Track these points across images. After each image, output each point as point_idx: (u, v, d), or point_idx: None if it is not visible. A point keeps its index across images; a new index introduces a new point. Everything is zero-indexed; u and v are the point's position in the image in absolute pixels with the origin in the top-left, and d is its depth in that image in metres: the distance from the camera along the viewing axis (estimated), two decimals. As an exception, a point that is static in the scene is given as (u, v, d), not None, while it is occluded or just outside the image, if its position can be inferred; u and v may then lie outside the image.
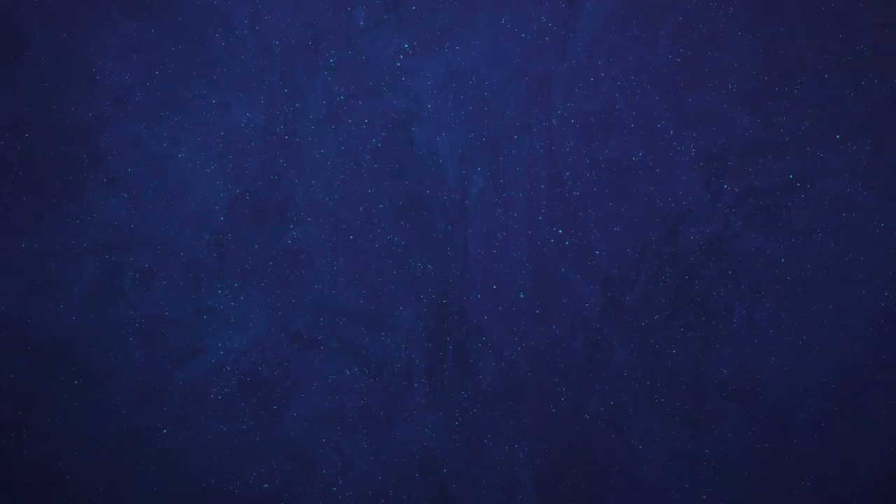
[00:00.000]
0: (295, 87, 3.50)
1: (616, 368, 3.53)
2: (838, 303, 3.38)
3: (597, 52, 3.43)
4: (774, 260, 3.40)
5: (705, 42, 3.36)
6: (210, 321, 3.55)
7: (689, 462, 3.49)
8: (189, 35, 3.43)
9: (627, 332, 3.52)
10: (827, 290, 3.38)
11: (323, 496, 3.58)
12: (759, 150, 3.37)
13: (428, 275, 3.58)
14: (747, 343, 3.45)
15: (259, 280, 3.56)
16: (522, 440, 3.57)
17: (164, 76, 3.44)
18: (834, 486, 3.41)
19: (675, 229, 3.46)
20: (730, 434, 3.47)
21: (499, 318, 3.57)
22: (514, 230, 3.54)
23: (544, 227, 3.53)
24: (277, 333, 3.59)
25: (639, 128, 3.44)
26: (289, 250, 3.56)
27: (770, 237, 3.40)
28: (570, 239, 3.52)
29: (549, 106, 3.48)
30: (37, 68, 3.38)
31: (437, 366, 3.60)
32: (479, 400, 3.58)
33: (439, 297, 3.58)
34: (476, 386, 3.58)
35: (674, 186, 3.44)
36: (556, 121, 3.49)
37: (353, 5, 3.46)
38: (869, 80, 3.26)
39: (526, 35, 3.44)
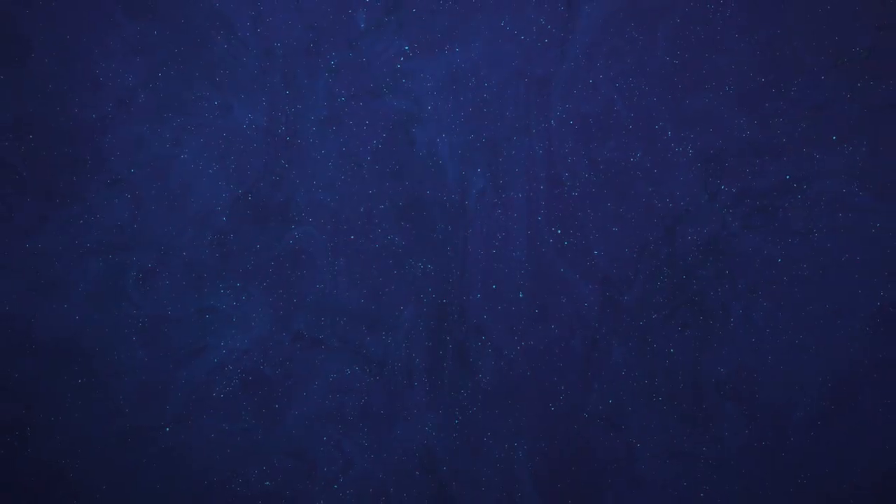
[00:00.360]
0: (296, 89, 3.52)
1: (614, 367, 3.55)
2: (835, 302, 3.40)
3: (595, 54, 3.45)
4: (771, 260, 3.42)
5: (703, 44, 3.38)
6: (212, 321, 3.58)
7: (687, 460, 3.51)
8: (192, 37, 3.45)
9: (626, 332, 3.55)
10: (823, 289, 3.40)
11: (324, 494, 3.61)
12: (756, 151, 3.39)
13: (428, 275, 3.60)
14: (744, 342, 3.47)
15: (261, 280, 3.58)
16: (522, 438, 3.59)
17: (167, 78, 3.46)
18: (830, 484, 3.43)
19: (673, 229, 3.48)
20: (727, 432, 3.49)
21: (498, 318, 3.59)
22: (514, 230, 3.56)
23: (543, 228, 3.55)
24: (279, 333, 3.61)
25: (637, 129, 3.46)
26: (290, 250, 3.58)
27: (767, 237, 3.42)
28: (569, 239, 3.54)
29: (548, 107, 3.50)
30: (40, 70, 3.40)
31: (437, 365, 3.62)
32: (478, 399, 3.61)
33: (439, 297, 3.60)
34: (476, 385, 3.61)
35: (672, 187, 3.46)
36: (555, 122, 3.51)
37: (353, 8, 3.48)
38: (865, 82, 3.28)
39: (525, 37, 3.47)
